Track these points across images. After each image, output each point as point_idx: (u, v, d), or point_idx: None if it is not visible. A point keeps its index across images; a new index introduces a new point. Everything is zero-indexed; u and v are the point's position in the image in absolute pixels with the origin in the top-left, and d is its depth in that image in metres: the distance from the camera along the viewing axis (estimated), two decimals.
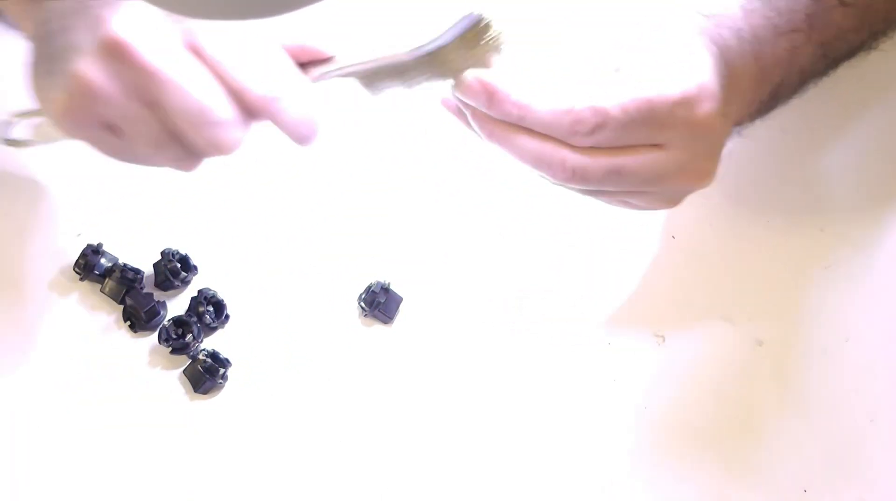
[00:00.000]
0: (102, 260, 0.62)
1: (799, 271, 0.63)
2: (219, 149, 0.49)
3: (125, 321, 0.62)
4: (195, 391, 0.59)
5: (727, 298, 0.62)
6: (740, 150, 0.67)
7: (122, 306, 0.62)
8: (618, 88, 0.50)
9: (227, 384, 0.60)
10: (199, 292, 0.62)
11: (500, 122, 0.51)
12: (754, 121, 0.57)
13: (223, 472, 0.58)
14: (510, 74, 0.51)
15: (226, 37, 0.49)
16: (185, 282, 0.63)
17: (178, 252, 0.63)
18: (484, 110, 0.51)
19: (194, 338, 0.60)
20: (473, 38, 0.51)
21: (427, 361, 0.61)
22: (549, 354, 0.61)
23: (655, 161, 0.51)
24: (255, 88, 0.49)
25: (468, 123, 0.53)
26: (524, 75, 0.52)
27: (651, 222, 0.65)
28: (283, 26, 0.71)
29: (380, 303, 0.61)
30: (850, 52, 0.60)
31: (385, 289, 0.62)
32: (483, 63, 0.51)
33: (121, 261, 0.63)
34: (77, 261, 0.62)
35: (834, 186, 0.66)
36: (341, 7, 0.73)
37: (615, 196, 0.54)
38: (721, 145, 0.53)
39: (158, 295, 0.62)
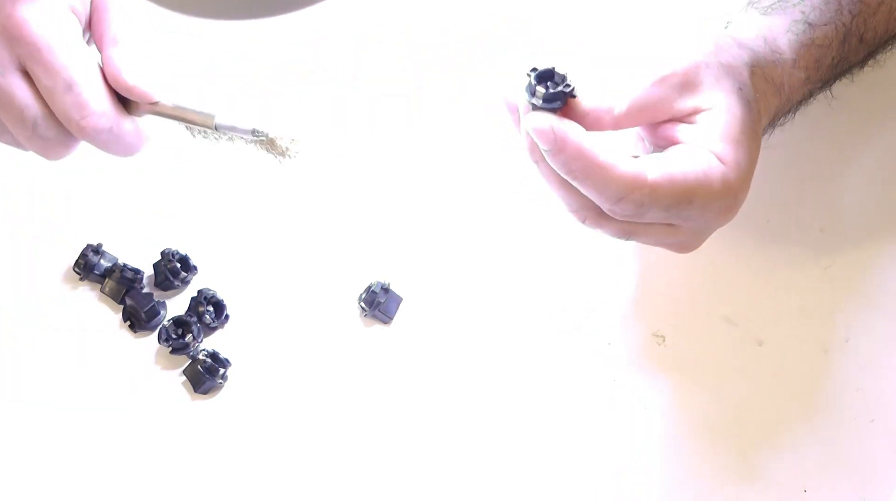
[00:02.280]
0: (102, 260, 0.62)
1: (799, 271, 0.63)
2: (81, 133, 0.51)
3: (125, 321, 0.62)
4: (195, 391, 0.59)
5: (727, 298, 0.62)
6: None
7: (122, 306, 0.62)
8: (658, 177, 0.49)
9: (227, 384, 0.60)
10: (199, 292, 0.62)
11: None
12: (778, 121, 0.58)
13: (223, 472, 0.58)
14: (574, 124, 0.50)
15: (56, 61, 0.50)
16: (185, 282, 0.63)
17: (178, 252, 0.63)
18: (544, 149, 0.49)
19: (194, 338, 0.60)
20: (265, 142, 0.54)
21: (427, 361, 0.61)
22: (548, 354, 0.61)
23: (670, 235, 0.53)
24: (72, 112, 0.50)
25: (517, 125, 0.52)
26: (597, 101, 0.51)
27: None
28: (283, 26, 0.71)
29: (380, 303, 0.61)
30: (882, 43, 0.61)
31: (385, 289, 0.62)
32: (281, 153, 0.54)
33: (121, 261, 0.63)
34: (77, 261, 0.62)
35: (834, 186, 0.66)
36: (341, 8, 0.73)
37: (646, 230, 0.54)
38: (740, 195, 0.52)
39: (158, 295, 0.62)
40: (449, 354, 0.61)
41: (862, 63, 0.61)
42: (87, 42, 0.54)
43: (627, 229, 0.52)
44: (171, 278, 0.62)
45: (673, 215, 0.50)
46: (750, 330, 0.61)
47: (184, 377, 0.60)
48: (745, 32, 0.55)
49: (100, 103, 0.51)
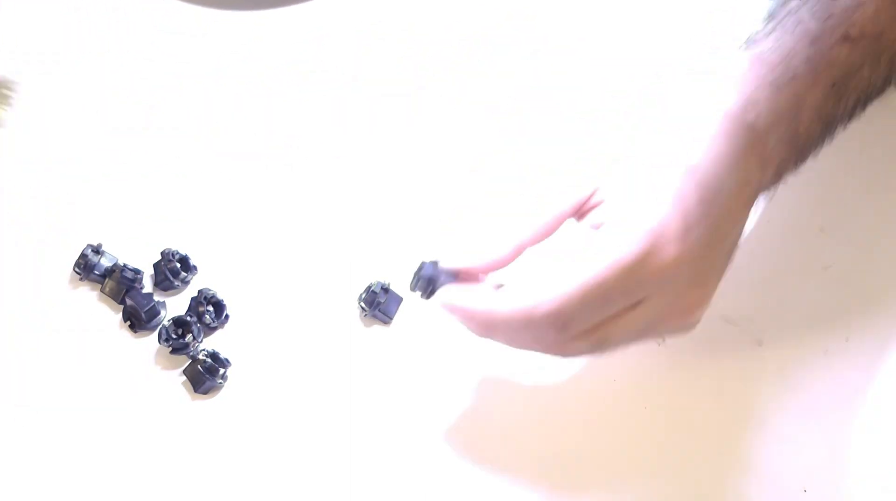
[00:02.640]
0: (102, 260, 0.62)
1: (799, 271, 0.63)
2: None
3: (125, 321, 0.62)
4: (195, 391, 0.59)
5: (727, 298, 0.62)
6: None
7: (122, 306, 0.62)
8: (570, 281, 0.50)
9: (227, 384, 0.60)
10: (199, 292, 0.62)
11: None
12: (778, 182, 0.56)
13: (223, 472, 0.58)
14: (469, 286, 0.54)
15: None
16: (185, 282, 0.63)
17: (178, 252, 0.63)
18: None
19: (194, 338, 0.60)
20: None
21: (427, 361, 0.61)
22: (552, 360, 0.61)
23: (636, 319, 0.51)
24: None
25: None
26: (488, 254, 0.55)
27: None
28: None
29: (380, 303, 0.61)
30: (876, 88, 0.58)
31: (385, 289, 0.62)
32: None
33: (121, 261, 0.63)
34: (77, 261, 0.62)
35: (834, 186, 0.66)
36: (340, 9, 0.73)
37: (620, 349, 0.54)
38: (704, 269, 0.51)
39: (158, 295, 0.62)
40: (449, 354, 0.61)
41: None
42: None
43: (593, 342, 0.52)
44: (171, 278, 0.62)
45: (610, 306, 0.50)
46: (750, 330, 0.61)
47: (184, 377, 0.60)
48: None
49: None
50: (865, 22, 0.54)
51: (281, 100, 0.69)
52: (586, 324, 0.51)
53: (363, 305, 0.62)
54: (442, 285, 0.55)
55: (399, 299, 0.62)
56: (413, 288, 0.56)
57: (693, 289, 0.51)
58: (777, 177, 0.55)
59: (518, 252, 0.55)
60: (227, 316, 0.62)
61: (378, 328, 0.62)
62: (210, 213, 0.65)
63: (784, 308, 0.62)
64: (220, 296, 0.62)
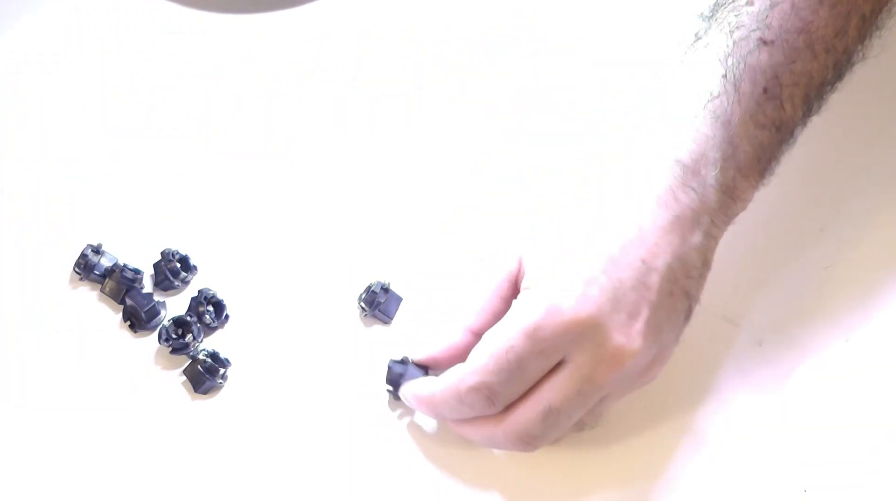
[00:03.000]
0: (102, 260, 0.62)
1: (799, 271, 0.63)
2: None
3: (125, 321, 0.62)
4: (195, 392, 0.59)
5: (727, 298, 0.62)
6: None
7: (122, 306, 0.62)
8: (482, 351, 0.52)
9: (227, 384, 0.60)
10: (199, 292, 0.62)
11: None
12: (741, 206, 0.56)
13: (223, 472, 0.58)
14: (424, 379, 0.56)
15: None
16: (185, 282, 0.63)
17: (178, 252, 0.63)
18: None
19: (194, 338, 0.60)
20: None
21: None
22: None
23: (567, 377, 0.51)
24: None
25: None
26: (432, 349, 0.57)
27: None
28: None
29: (380, 303, 0.61)
30: (825, 82, 0.57)
31: (385, 289, 0.62)
32: None
33: (121, 261, 0.63)
34: (77, 261, 0.62)
35: (834, 185, 0.66)
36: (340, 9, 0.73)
37: (588, 418, 0.55)
38: (627, 317, 0.51)
39: (158, 295, 0.62)
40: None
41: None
42: None
43: (537, 411, 0.52)
44: (171, 278, 0.62)
45: (533, 369, 0.51)
46: (750, 330, 0.61)
47: (184, 377, 0.60)
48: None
49: None
50: (782, 21, 0.55)
51: (281, 100, 0.69)
52: (513, 390, 0.52)
53: (363, 305, 0.62)
54: (409, 379, 0.57)
55: (399, 299, 0.62)
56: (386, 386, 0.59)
57: (612, 337, 0.51)
58: (730, 198, 0.55)
59: (472, 335, 0.56)
60: (227, 316, 0.62)
61: (378, 328, 0.62)
62: (210, 213, 0.65)
63: (784, 308, 0.62)
64: (220, 296, 0.62)
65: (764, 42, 0.55)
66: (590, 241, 0.52)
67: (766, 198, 0.64)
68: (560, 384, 0.51)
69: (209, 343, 0.61)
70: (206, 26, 0.72)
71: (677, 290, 0.53)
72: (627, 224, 0.52)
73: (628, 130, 0.57)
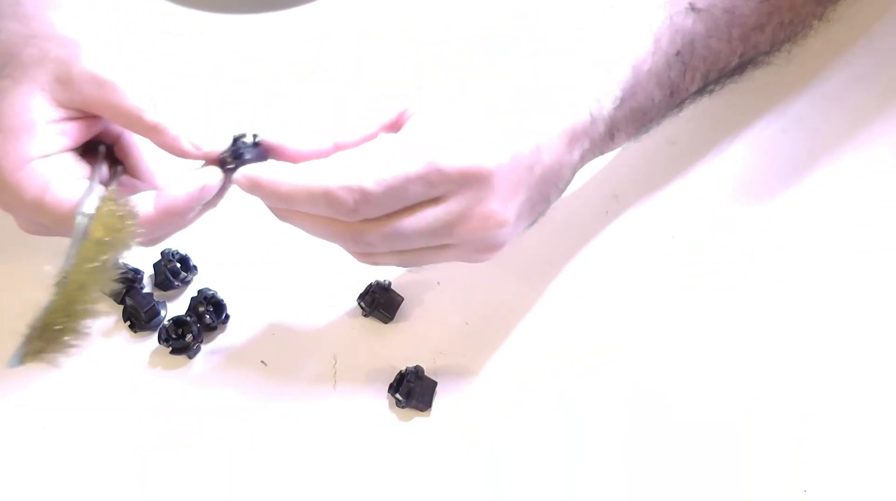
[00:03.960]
0: None
1: (798, 271, 0.63)
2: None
3: (125, 321, 0.62)
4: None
5: (727, 297, 0.62)
6: (741, 150, 0.67)
7: (122, 306, 0.62)
8: (377, 158, 0.51)
9: (228, 385, 0.60)
10: (199, 292, 0.62)
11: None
12: (611, 148, 0.58)
13: (223, 472, 0.58)
14: (274, 162, 0.53)
15: None
16: (185, 282, 0.63)
17: (178, 252, 0.63)
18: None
19: (194, 338, 0.60)
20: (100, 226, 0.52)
21: (427, 361, 0.61)
22: (548, 354, 0.61)
23: (435, 215, 0.51)
24: None
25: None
26: (293, 143, 0.54)
27: (650, 223, 0.65)
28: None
29: (380, 303, 0.61)
30: (727, 66, 0.60)
31: (385, 289, 0.62)
32: (126, 237, 0.52)
33: (121, 261, 0.63)
34: None
35: (834, 186, 0.66)
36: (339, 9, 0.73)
37: (423, 257, 0.55)
38: (509, 186, 0.52)
39: (158, 295, 0.62)
40: (449, 354, 0.61)
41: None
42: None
43: (386, 230, 0.52)
44: (171, 278, 0.62)
45: (411, 195, 0.50)
46: (750, 330, 0.61)
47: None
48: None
49: None
50: None
51: (281, 100, 0.69)
52: (382, 208, 0.51)
53: (363, 305, 0.62)
54: (249, 161, 0.53)
55: (399, 300, 0.62)
56: (221, 158, 0.54)
57: (493, 200, 0.52)
58: (609, 136, 0.57)
59: (334, 150, 0.54)
60: (227, 316, 0.62)
61: (378, 328, 0.62)
62: (210, 213, 0.65)
63: (784, 308, 0.62)
64: (220, 296, 0.62)
65: (693, 8, 0.57)
66: (508, 103, 0.53)
67: (767, 198, 0.64)
68: (425, 217, 0.51)
69: (209, 343, 0.61)
70: (206, 26, 0.72)
71: (546, 191, 0.54)
72: (540, 110, 0.53)
73: (568, 48, 0.58)
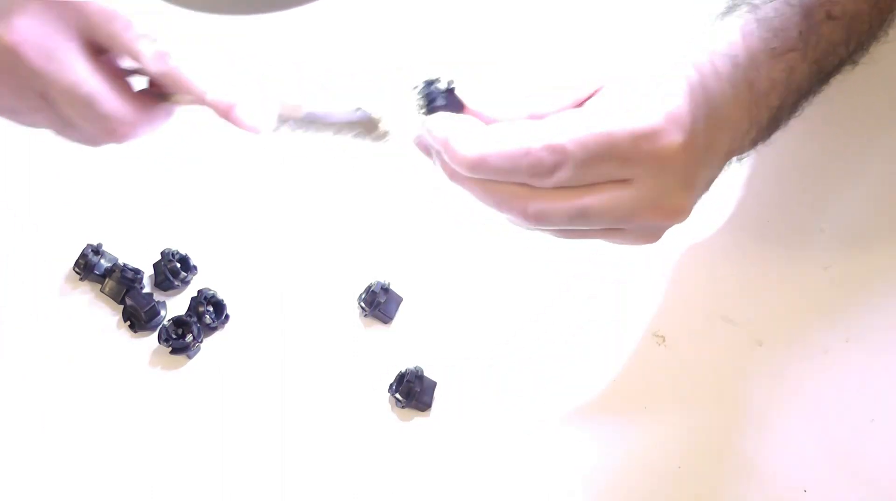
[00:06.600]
0: (102, 260, 0.62)
1: (799, 271, 0.63)
2: (112, 139, 0.53)
3: (125, 321, 0.62)
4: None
5: (727, 298, 0.62)
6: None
7: (122, 306, 0.62)
8: (578, 123, 0.48)
9: (227, 385, 0.60)
10: (199, 292, 0.62)
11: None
12: (755, 147, 0.55)
13: (223, 472, 0.58)
14: (469, 117, 0.50)
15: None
16: (185, 282, 0.63)
17: (178, 252, 0.63)
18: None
19: (194, 338, 0.60)
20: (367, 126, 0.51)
21: (426, 361, 0.61)
22: (548, 354, 0.61)
23: (621, 199, 0.49)
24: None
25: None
26: (488, 108, 0.51)
27: None
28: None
29: (380, 303, 0.61)
30: (839, 67, 0.58)
31: (385, 289, 0.62)
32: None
33: (121, 261, 0.63)
34: (77, 261, 0.62)
35: (834, 185, 0.66)
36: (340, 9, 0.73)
37: (588, 235, 0.53)
38: (696, 178, 0.51)
39: (158, 295, 0.62)
40: (448, 354, 0.61)
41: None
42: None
43: (572, 207, 0.49)
44: (171, 278, 0.62)
45: (605, 169, 0.48)
46: (750, 330, 0.61)
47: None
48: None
49: None
50: (847, 1, 0.55)
51: (280, 100, 0.69)
52: (577, 176, 0.48)
53: (363, 305, 0.62)
54: (440, 108, 0.50)
55: (399, 300, 0.62)
56: (416, 98, 0.51)
57: (680, 190, 0.50)
58: (754, 142, 0.54)
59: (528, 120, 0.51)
60: (227, 316, 0.62)
61: (378, 328, 0.62)
62: (210, 213, 0.65)
63: (784, 308, 0.62)
64: (220, 296, 0.62)
65: (830, 17, 0.54)
66: (690, 76, 0.50)
67: (766, 198, 0.64)
68: (611, 198, 0.49)
69: (209, 343, 0.61)
70: (207, 25, 0.72)
71: (718, 173, 0.52)
72: (718, 73, 0.50)
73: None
